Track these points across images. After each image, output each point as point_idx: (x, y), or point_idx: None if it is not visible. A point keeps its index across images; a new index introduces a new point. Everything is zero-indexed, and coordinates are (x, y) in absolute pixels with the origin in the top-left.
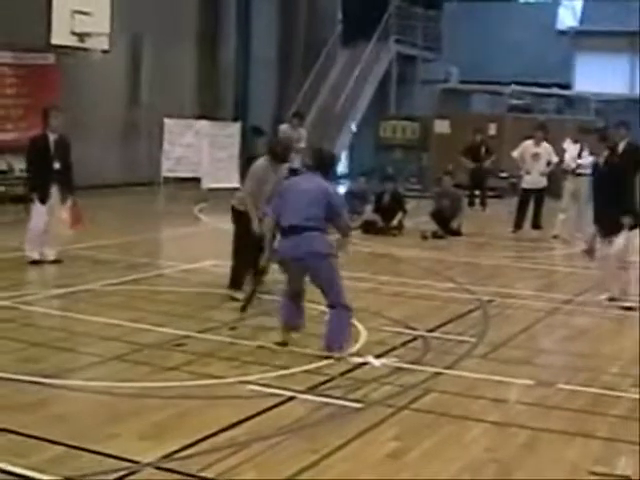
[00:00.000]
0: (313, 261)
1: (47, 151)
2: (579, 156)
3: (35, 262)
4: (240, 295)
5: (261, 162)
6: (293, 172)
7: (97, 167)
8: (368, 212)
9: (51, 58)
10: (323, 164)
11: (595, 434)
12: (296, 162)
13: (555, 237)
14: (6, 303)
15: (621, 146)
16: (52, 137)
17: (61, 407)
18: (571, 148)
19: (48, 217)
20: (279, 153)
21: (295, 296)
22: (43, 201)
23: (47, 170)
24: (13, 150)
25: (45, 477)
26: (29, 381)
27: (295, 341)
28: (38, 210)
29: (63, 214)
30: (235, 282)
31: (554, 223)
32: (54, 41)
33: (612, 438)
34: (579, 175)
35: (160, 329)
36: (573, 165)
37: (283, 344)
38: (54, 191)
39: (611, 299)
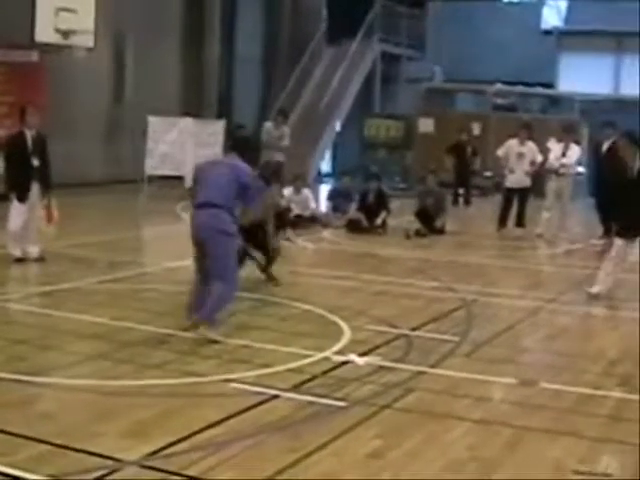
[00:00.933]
0: (211, 236)
1: (25, 148)
2: (563, 155)
3: (19, 260)
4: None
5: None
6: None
7: (81, 165)
8: (352, 211)
9: (35, 56)
10: (239, 146)
11: (579, 433)
12: (280, 159)
13: (539, 236)
14: None
15: (606, 145)
16: (29, 134)
17: (45, 405)
18: (555, 148)
19: (28, 215)
20: (268, 176)
21: (203, 276)
22: (21, 199)
23: (26, 168)
24: None
25: (30, 476)
26: (13, 379)
27: (277, 340)
28: (17, 208)
29: (42, 211)
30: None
31: (538, 222)
32: (38, 38)
33: (596, 437)
34: (563, 175)
35: (143, 327)
36: (557, 165)
37: (190, 328)
38: (34, 188)
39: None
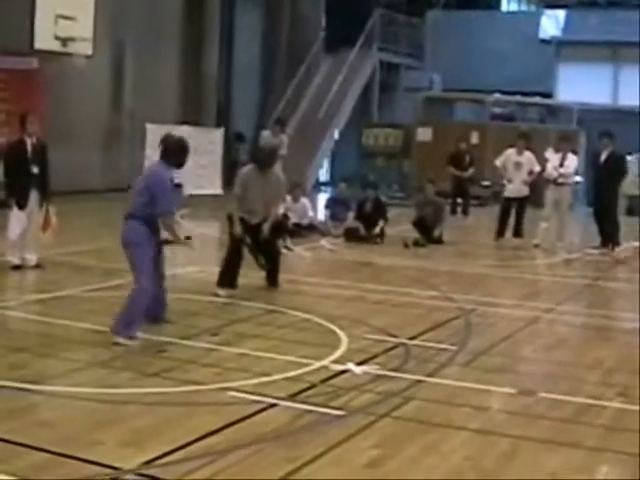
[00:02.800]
0: (126, 248)
1: (25, 156)
2: (561, 165)
3: (16, 267)
4: (223, 293)
5: (246, 168)
6: None
7: (79, 172)
8: (350, 219)
9: (35, 63)
10: (167, 151)
11: (577, 443)
12: (278, 168)
13: (536, 246)
14: None
15: (604, 155)
16: (29, 142)
17: (44, 413)
18: (553, 157)
19: (27, 222)
20: (262, 159)
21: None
22: (21, 206)
23: (25, 175)
24: None
25: None
26: (11, 387)
27: (275, 348)
28: (16, 215)
29: (41, 219)
30: (222, 280)
31: (536, 232)
32: (37, 45)
33: (594, 447)
34: (561, 184)
35: (141, 335)
36: (555, 174)
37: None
38: (33, 196)
39: None
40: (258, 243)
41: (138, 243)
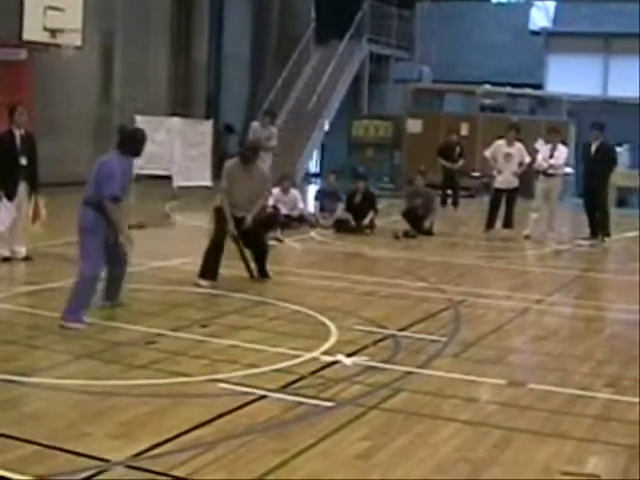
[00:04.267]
0: (79, 232)
1: (13, 147)
2: (551, 156)
3: (5, 259)
4: (205, 283)
5: (230, 163)
6: None
7: (68, 164)
8: (340, 211)
9: (23, 54)
10: (122, 141)
11: (568, 434)
12: (267, 160)
13: (527, 237)
14: None
15: (594, 146)
16: (18, 133)
17: (32, 405)
18: (543, 149)
19: (16, 214)
20: (246, 153)
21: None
22: (10, 198)
23: (14, 167)
24: None
25: (16, 476)
26: (1, 379)
27: (265, 340)
28: (5, 207)
29: (30, 210)
30: (204, 271)
31: (525, 223)
32: (26, 37)
33: (585, 438)
34: (551, 175)
35: (130, 327)
36: (545, 165)
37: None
38: (21, 187)
39: None
40: (244, 235)
41: (86, 229)
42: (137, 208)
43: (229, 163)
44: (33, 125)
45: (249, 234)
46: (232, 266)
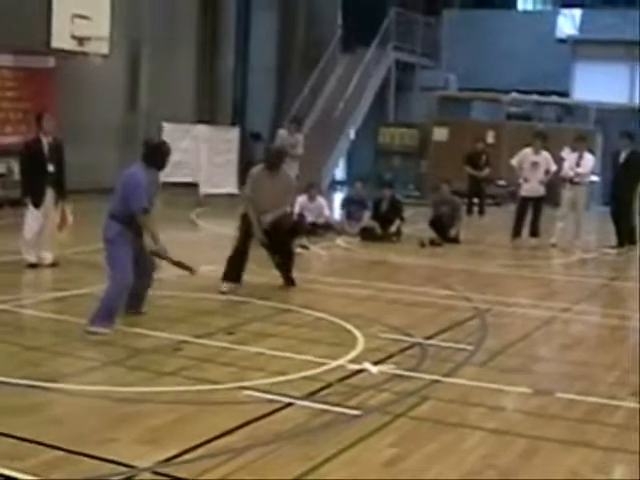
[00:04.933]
0: (104, 245)
1: (41, 154)
2: (577, 165)
3: (32, 265)
4: (226, 288)
5: (256, 169)
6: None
7: (95, 171)
8: (366, 219)
9: (51, 61)
10: (147, 154)
11: (594, 443)
12: (294, 168)
13: (553, 246)
14: (3, 307)
15: (624, 155)
16: (46, 140)
17: (59, 411)
18: (570, 157)
19: (43, 220)
20: (271, 161)
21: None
22: (37, 205)
23: (41, 174)
24: (12, 153)
25: None
26: (27, 385)
27: (291, 347)
28: (32, 214)
29: (56, 217)
30: (227, 275)
31: (552, 231)
32: (54, 44)
33: (611, 447)
34: (577, 184)
35: (157, 334)
36: (571, 174)
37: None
38: (49, 194)
39: None
40: (272, 242)
41: (111, 240)
42: (163, 215)
43: (254, 170)
44: (60, 132)
45: (274, 240)
46: (257, 273)
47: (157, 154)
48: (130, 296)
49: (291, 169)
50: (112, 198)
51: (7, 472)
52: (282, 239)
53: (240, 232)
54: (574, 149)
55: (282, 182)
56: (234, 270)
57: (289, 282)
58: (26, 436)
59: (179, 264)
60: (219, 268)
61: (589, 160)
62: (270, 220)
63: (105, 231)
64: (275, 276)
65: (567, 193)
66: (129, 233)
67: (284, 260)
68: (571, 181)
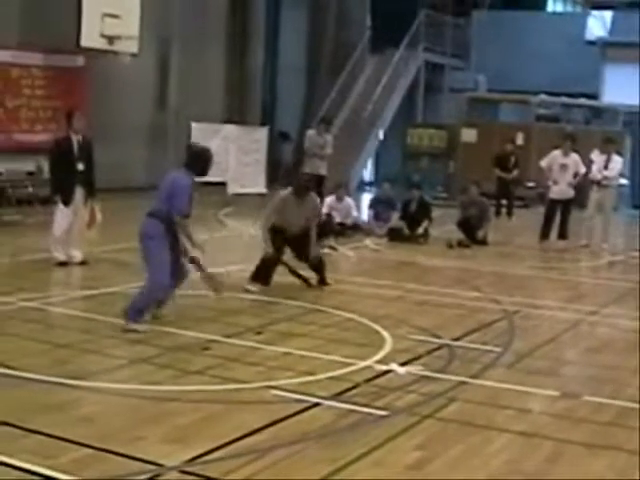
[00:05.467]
0: (142, 242)
1: (71, 153)
2: (605, 167)
3: (62, 264)
4: (253, 288)
5: (283, 195)
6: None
7: (124, 169)
8: (394, 219)
9: (81, 60)
10: (191, 160)
11: (621, 447)
12: (322, 168)
13: (585, 246)
14: (33, 304)
15: None
16: (75, 139)
17: (87, 409)
18: (598, 159)
19: (72, 219)
20: (300, 188)
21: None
22: (66, 203)
23: (71, 172)
24: (42, 152)
25: (71, 478)
26: (56, 382)
27: (319, 347)
28: (62, 212)
29: (86, 215)
30: (256, 276)
31: (581, 234)
32: (84, 43)
33: (638, 451)
34: (605, 186)
35: (185, 332)
36: (599, 176)
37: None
38: (78, 192)
39: None
40: (298, 251)
41: (153, 236)
42: (192, 214)
43: (281, 195)
44: (90, 131)
45: (297, 248)
46: (286, 274)
47: (200, 160)
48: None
49: (320, 169)
50: (156, 198)
51: (37, 469)
52: (303, 245)
53: (273, 243)
54: (603, 151)
55: (309, 207)
56: (263, 272)
57: (323, 283)
58: (54, 433)
59: (210, 279)
60: (247, 268)
61: (617, 162)
62: (316, 256)
63: (145, 228)
64: (307, 277)
65: (594, 195)
66: (169, 234)
67: (314, 267)
68: (598, 183)
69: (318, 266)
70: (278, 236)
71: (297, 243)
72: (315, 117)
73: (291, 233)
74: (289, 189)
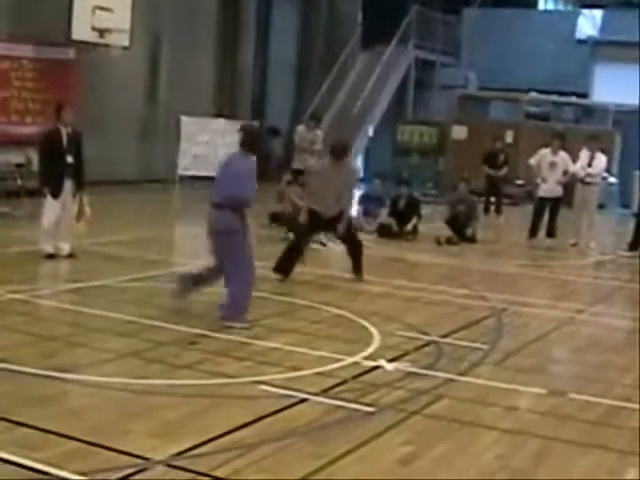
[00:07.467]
0: (219, 236)
1: (60, 145)
2: (589, 165)
3: (50, 256)
4: (277, 277)
5: (321, 161)
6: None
7: (114, 163)
8: (383, 216)
9: (71, 53)
10: (249, 139)
11: (608, 445)
12: (312, 163)
13: (574, 245)
14: (21, 297)
15: None
16: (65, 131)
17: (75, 402)
18: (582, 157)
19: (61, 211)
20: (337, 149)
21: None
22: (55, 195)
23: (60, 164)
24: (31, 144)
25: (58, 472)
26: (44, 375)
27: (307, 343)
28: (50, 204)
29: (74, 208)
30: (279, 266)
31: (568, 232)
32: (75, 36)
33: (625, 450)
34: (588, 184)
35: (174, 327)
36: (582, 174)
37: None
38: (67, 185)
39: None
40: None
41: (235, 231)
42: (182, 209)
43: (319, 162)
44: (80, 123)
45: (342, 235)
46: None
47: (256, 140)
48: (194, 276)
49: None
50: (218, 187)
51: (25, 462)
52: (350, 232)
53: (301, 229)
54: (589, 149)
55: (345, 171)
56: (287, 264)
57: (357, 271)
58: (42, 426)
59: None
60: None
61: (601, 161)
62: (343, 229)
63: (223, 221)
64: (295, 272)
65: (578, 193)
66: (243, 223)
67: (353, 253)
68: (582, 181)
69: (356, 254)
70: (313, 219)
71: (332, 223)
72: (305, 112)
73: (325, 205)
74: (326, 157)
